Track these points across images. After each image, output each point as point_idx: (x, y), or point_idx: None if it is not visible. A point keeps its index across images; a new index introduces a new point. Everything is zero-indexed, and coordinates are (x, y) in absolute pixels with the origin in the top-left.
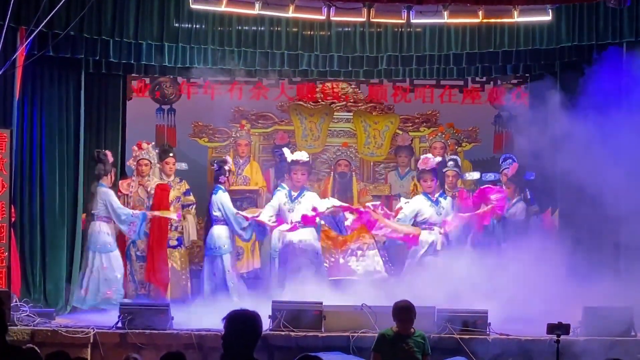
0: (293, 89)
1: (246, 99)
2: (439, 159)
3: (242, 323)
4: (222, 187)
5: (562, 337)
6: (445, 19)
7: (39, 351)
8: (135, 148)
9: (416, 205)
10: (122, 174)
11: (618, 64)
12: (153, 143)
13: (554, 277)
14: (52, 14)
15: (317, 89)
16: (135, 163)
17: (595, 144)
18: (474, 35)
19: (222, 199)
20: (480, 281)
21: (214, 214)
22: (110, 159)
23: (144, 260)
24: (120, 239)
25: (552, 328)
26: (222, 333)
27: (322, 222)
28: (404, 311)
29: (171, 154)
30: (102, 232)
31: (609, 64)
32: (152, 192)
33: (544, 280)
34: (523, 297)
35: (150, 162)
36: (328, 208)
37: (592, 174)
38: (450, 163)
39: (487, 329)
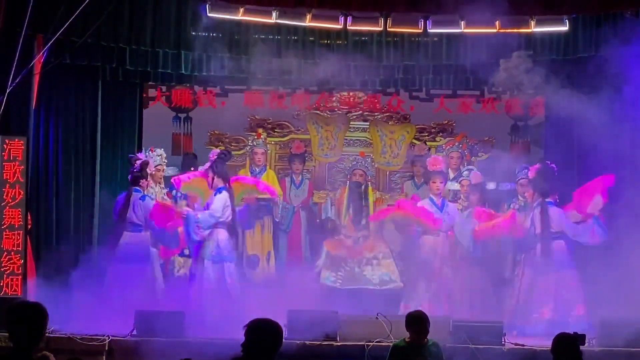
0: (309, 98)
1: (262, 107)
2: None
3: (263, 333)
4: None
5: None
6: (462, 28)
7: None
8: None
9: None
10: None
11: (636, 73)
12: (163, 149)
13: None
14: (69, 21)
15: (334, 98)
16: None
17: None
18: (491, 45)
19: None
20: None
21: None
22: None
23: None
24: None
25: None
26: (243, 341)
27: None
28: (417, 322)
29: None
30: None
31: (626, 73)
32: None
33: None
34: None
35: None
36: None
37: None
38: (466, 172)
39: (502, 340)
